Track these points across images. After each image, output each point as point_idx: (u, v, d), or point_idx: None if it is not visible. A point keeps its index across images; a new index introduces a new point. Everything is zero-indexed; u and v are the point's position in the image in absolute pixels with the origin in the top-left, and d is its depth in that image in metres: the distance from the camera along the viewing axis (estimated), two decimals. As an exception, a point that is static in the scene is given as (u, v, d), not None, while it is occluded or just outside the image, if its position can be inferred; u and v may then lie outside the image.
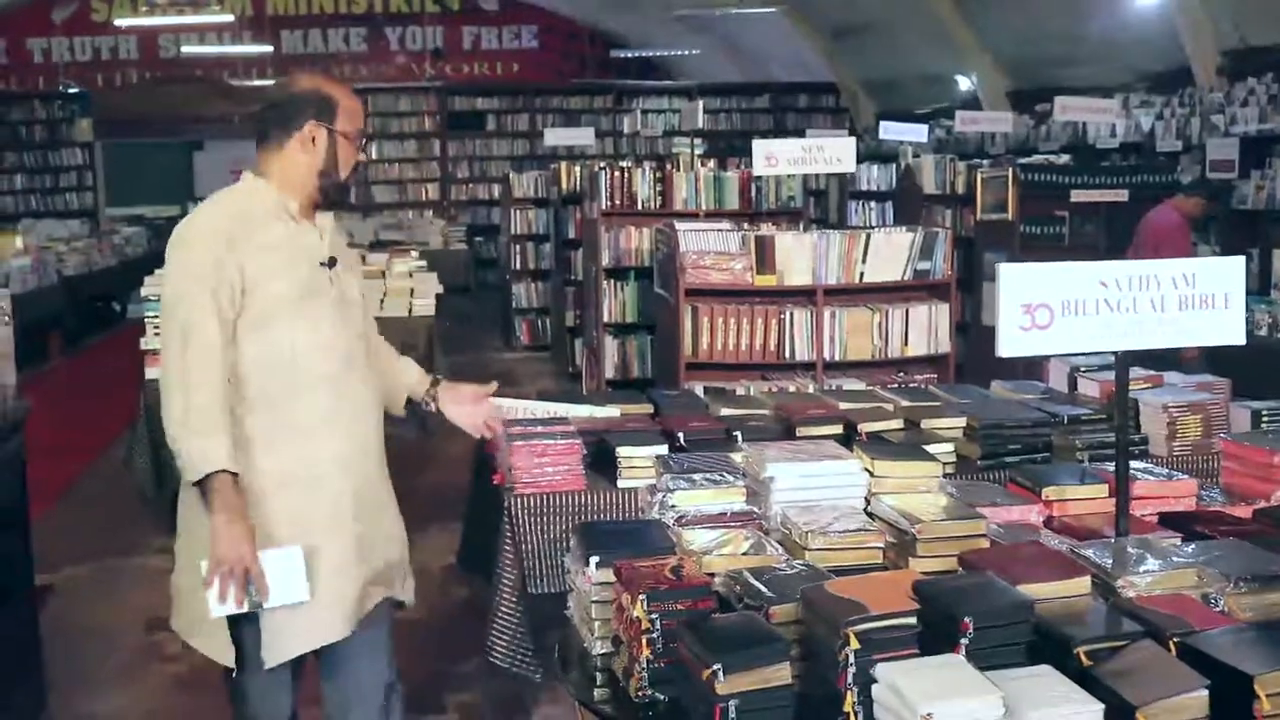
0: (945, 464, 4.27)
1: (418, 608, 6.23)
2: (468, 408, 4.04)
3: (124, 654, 5.95)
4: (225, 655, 3.35)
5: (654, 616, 2.67)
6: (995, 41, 16.53)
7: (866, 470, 3.46)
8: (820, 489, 3.37)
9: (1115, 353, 3.06)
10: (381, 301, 9.92)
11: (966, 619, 2.45)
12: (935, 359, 7.31)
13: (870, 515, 3.33)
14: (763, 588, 2.75)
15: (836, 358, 7.17)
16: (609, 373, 9.82)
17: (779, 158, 7.65)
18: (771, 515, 3.34)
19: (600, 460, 4.69)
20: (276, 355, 3.35)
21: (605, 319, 9.85)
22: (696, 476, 3.38)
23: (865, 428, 4.91)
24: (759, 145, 7.70)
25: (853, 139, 7.90)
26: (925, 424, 4.95)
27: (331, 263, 3.50)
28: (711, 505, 3.33)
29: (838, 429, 4.94)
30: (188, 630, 3.47)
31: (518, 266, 15.15)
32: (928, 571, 2.99)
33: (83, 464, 9.55)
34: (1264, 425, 4.97)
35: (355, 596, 3.47)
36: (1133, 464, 3.84)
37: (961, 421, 4.98)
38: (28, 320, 13.96)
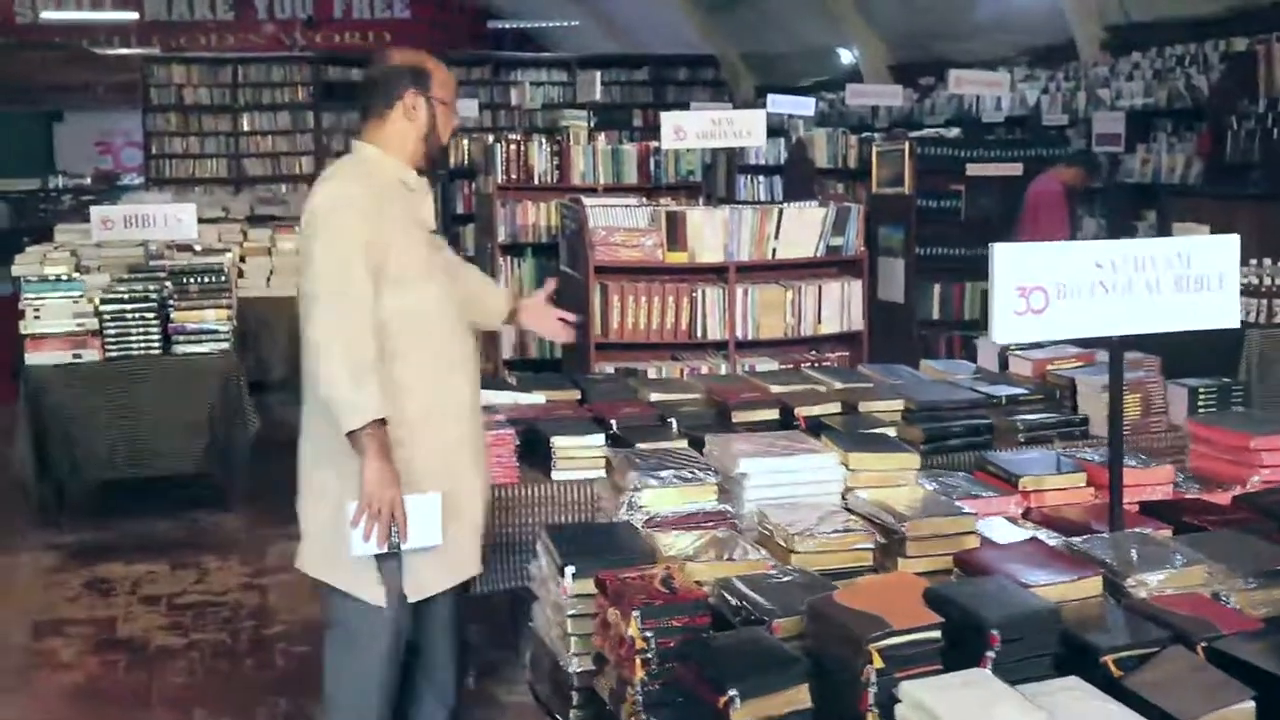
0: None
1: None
2: (548, 319, 4.30)
3: (12, 660, 5.56)
4: (374, 592, 3.56)
5: (649, 635, 2.46)
6: (877, 14, 16.48)
7: (842, 464, 3.28)
8: (795, 485, 3.19)
9: (1110, 339, 2.92)
10: (268, 279, 9.55)
11: (994, 632, 2.28)
12: (848, 336, 7.19)
13: (849, 512, 3.15)
14: (761, 599, 2.56)
15: (749, 336, 7.01)
16: (506, 352, 9.55)
17: (687, 131, 7.43)
18: (745, 514, 3.15)
19: (530, 450, 4.47)
20: (409, 313, 3.59)
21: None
22: (665, 474, 3.16)
23: (802, 411, 4.77)
24: (667, 118, 7.47)
25: (762, 112, 7.71)
26: (863, 407, 4.83)
27: (437, 231, 3.85)
28: (683, 505, 3.12)
29: (774, 413, 4.80)
30: (325, 569, 3.66)
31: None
32: (920, 573, 2.83)
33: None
34: (1200, 405, 4.92)
35: (482, 535, 3.76)
36: (1097, 450, 3.73)
37: (899, 404, 4.86)
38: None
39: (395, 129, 3.74)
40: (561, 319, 4.31)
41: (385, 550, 3.43)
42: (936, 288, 10.55)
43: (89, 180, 24.65)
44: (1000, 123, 13.59)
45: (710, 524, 3.07)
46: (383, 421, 3.42)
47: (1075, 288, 2.78)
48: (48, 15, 22.17)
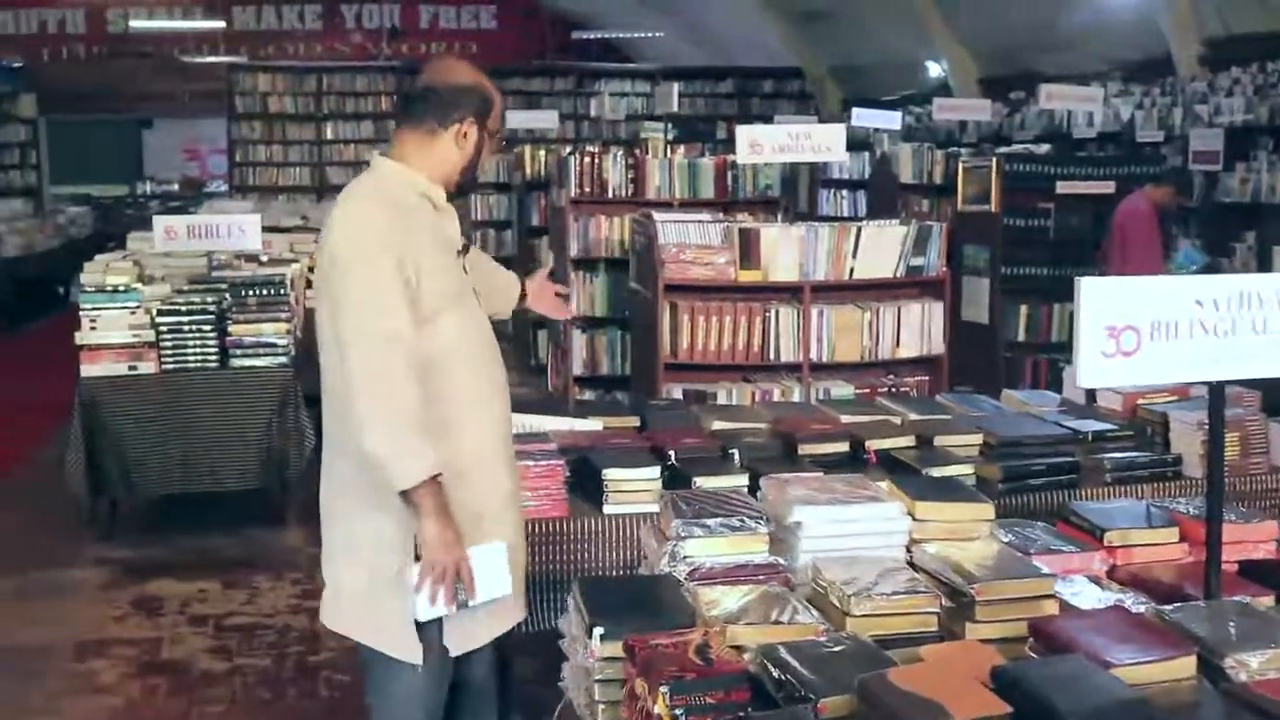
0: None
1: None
2: (548, 298, 4.12)
3: (52, 683, 5.39)
4: (411, 651, 3.28)
5: (678, 712, 2.20)
6: (967, 27, 16.13)
7: (908, 514, 2.99)
8: (855, 535, 2.91)
9: (1209, 383, 2.62)
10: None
11: (1071, 728, 2.00)
12: (927, 360, 6.90)
13: (913, 567, 2.86)
14: (808, 673, 2.27)
15: (824, 359, 6.74)
16: (577, 369, 9.34)
17: (764, 145, 7.18)
18: (799, 567, 2.87)
19: (582, 480, 4.23)
20: (442, 346, 3.31)
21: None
22: (712, 522, 2.89)
23: (873, 445, 4.50)
24: (743, 131, 7.22)
25: (842, 126, 7.44)
26: (938, 441, 4.53)
27: (464, 250, 3.51)
28: (730, 556, 2.85)
29: (843, 446, 4.52)
30: (358, 628, 3.39)
31: (476, 254, 14.58)
32: (990, 640, 2.54)
33: (12, 461, 8.96)
34: (1306, 445, 4.57)
35: (523, 577, 3.50)
36: (1192, 501, 3.41)
37: (977, 438, 4.56)
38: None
39: (439, 150, 3.39)
40: (558, 294, 4.14)
41: (454, 611, 3.20)
42: (1023, 309, 10.20)
43: (176, 187, 24.91)
44: (1092, 139, 13.20)
45: (760, 577, 2.80)
46: (437, 475, 3.14)
47: (1171, 327, 2.49)
48: (138, 24, 22.35)
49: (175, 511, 7.46)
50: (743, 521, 2.89)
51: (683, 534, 2.86)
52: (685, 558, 2.84)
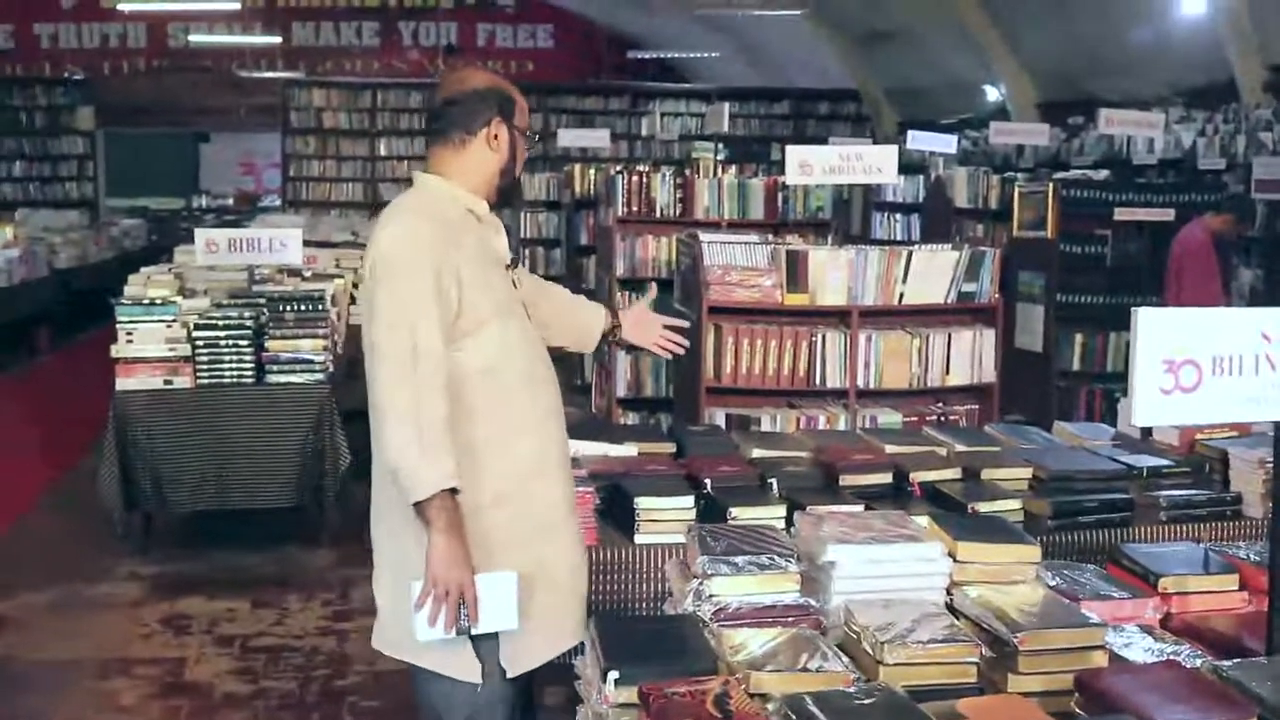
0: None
1: (404, 663, 5.70)
2: (652, 331, 3.96)
3: (73, 701, 5.30)
4: (468, 670, 3.23)
5: (693, 768, 2.05)
6: (1027, 50, 15.91)
7: (948, 554, 2.81)
8: (891, 577, 2.74)
9: (1276, 424, 2.45)
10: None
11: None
12: (978, 389, 6.71)
13: (953, 612, 2.69)
14: (834, 729, 2.12)
15: (871, 385, 6.56)
16: (620, 390, 9.20)
17: (814, 166, 7.00)
18: (831, 609, 2.71)
19: (613, 508, 4.09)
20: (486, 363, 3.28)
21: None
22: (740, 560, 2.72)
23: (917, 477, 4.32)
24: (793, 152, 7.05)
25: (894, 148, 7.25)
26: (986, 474, 4.36)
27: (512, 263, 3.48)
28: (758, 596, 2.69)
29: (886, 477, 4.35)
30: (410, 649, 3.28)
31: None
32: (1033, 694, 2.38)
33: (57, 471, 8.93)
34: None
35: (585, 599, 3.42)
36: (1252, 546, 3.22)
37: (1027, 472, 4.38)
38: (14, 314, 13.52)
39: (474, 158, 3.37)
40: (669, 328, 3.96)
41: (453, 635, 3.10)
42: (1078, 337, 9.99)
43: (230, 201, 25.06)
44: (1152, 165, 12.95)
45: (790, 619, 2.64)
46: (454, 492, 3.09)
47: (1235, 362, 2.31)
48: (197, 39, 22.50)
49: (210, 528, 7.38)
50: (773, 559, 2.72)
51: (709, 571, 2.70)
52: (711, 596, 2.67)
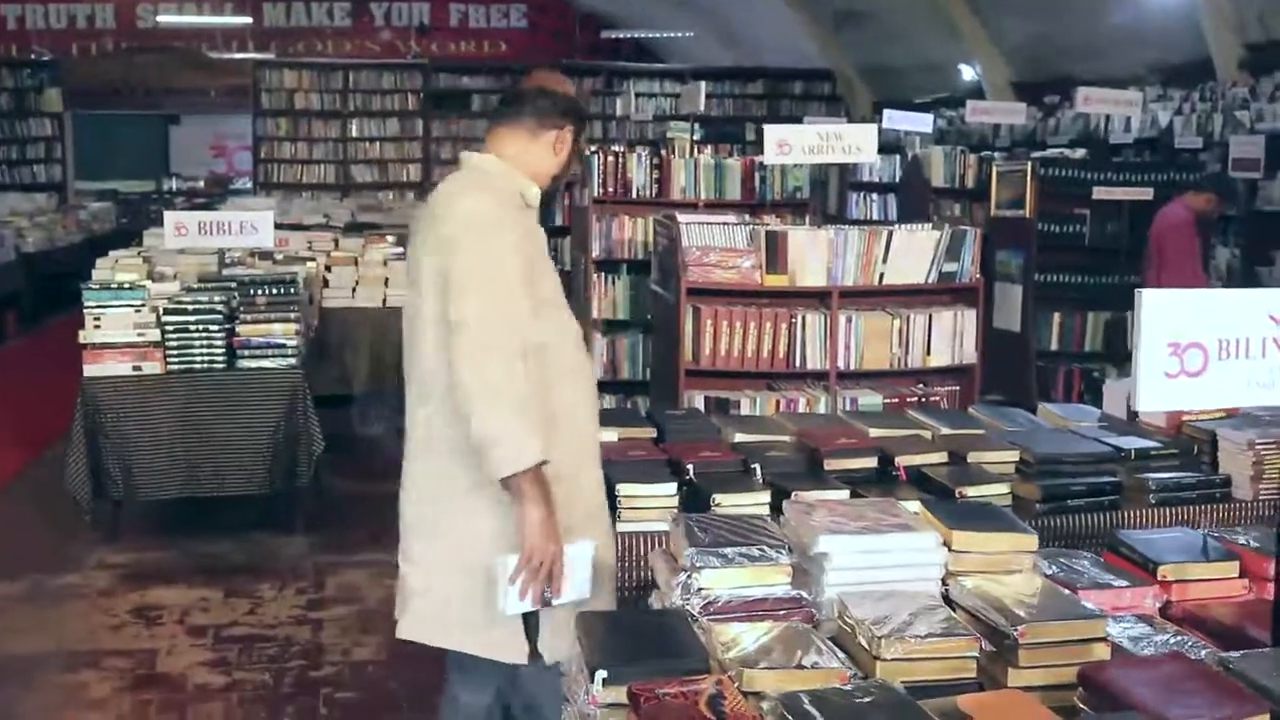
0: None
1: (377, 645, 5.63)
2: None
3: (42, 695, 5.18)
4: (515, 651, 3.29)
5: (685, 772, 1.97)
6: (1001, 29, 15.85)
7: (944, 544, 2.73)
8: (885, 568, 2.65)
9: (1282, 408, 2.37)
10: (354, 290, 9.20)
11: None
12: (958, 370, 6.63)
13: (950, 603, 2.61)
14: (832, 729, 2.03)
15: (851, 367, 6.48)
16: (597, 373, 9.08)
17: (793, 145, 6.91)
18: (824, 602, 2.62)
19: (596, 494, 3.99)
20: (555, 343, 3.35)
21: (594, 314, 9.12)
22: (729, 551, 2.63)
23: (903, 461, 4.25)
24: (771, 131, 6.95)
25: (873, 127, 7.16)
26: (972, 457, 4.28)
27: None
28: (748, 589, 2.60)
29: (871, 462, 4.27)
30: (460, 635, 3.34)
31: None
32: (1034, 688, 2.30)
33: (24, 458, 8.79)
34: (1363, 468, 4.28)
35: (614, 595, 3.47)
36: (1250, 531, 3.15)
37: (1014, 455, 4.31)
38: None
39: (538, 152, 3.47)
40: None
41: (537, 607, 3.18)
42: (1056, 317, 9.97)
43: (201, 183, 24.83)
44: (1129, 144, 12.90)
45: (781, 612, 2.56)
46: (543, 464, 3.12)
47: (1241, 345, 2.24)
48: (166, 19, 22.25)
49: (181, 515, 7.26)
50: (763, 551, 2.63)
51: (697, 564, 2.61)
52: (700, 590, 2.59)
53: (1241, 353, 2.24)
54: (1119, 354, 9.93)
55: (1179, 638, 2.59)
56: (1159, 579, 2.82)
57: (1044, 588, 2.62)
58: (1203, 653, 2.44)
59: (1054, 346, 9.98)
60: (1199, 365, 2.22)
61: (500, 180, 3.38)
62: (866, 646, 2.39)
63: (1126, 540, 3.00)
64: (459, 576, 3.29)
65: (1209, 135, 12.06)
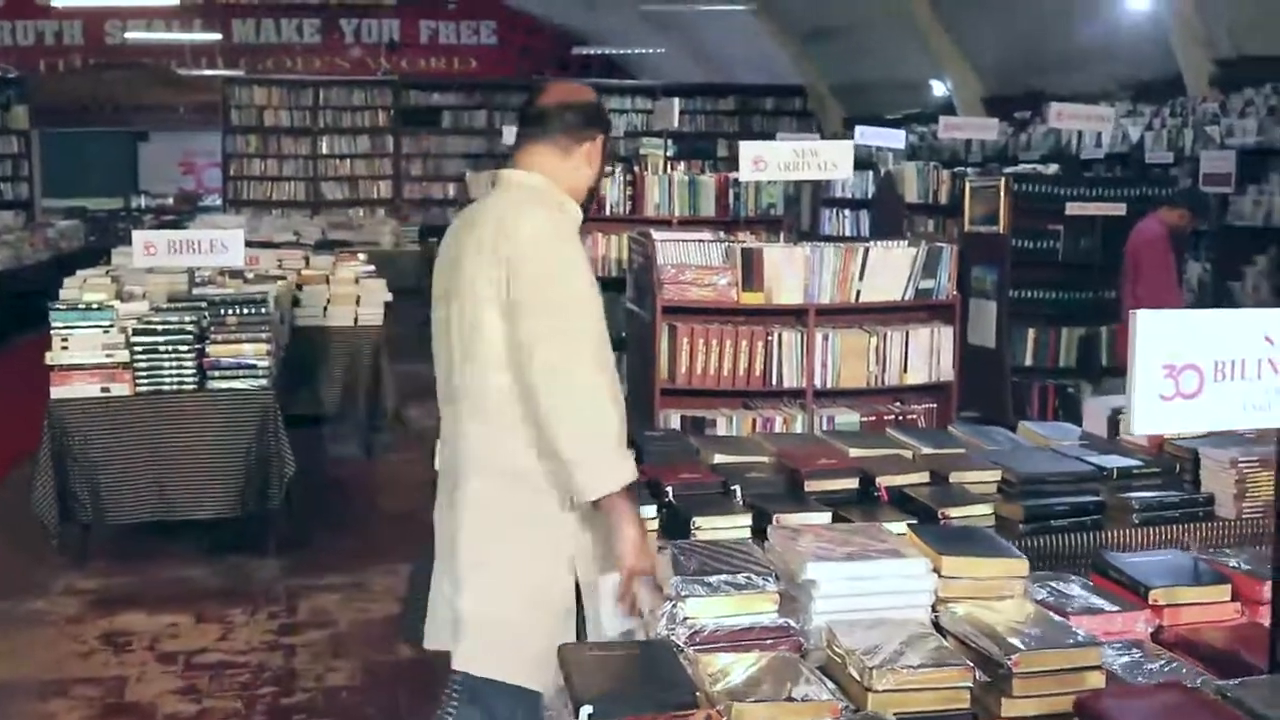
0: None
1: (350, 670, 5.55)
2: None
3: (10, 725, 5.11)
4: (546, 678, 3.08)
5: (675, 814, 1.91)
6: (973, 46, 15.91)
7: (934, 570, 2.67)
8: (874, 595, 2.60)
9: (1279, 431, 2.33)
10: (325, 309, 9.11)
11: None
12: (936, 387, 6.60)
13: (940, 631, 2.56)
14: (824, 766, 1.98)
15: (828, 385, 6.43)
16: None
17: (768, 162, 6.87)
18: (812, 630, 2.57)
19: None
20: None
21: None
22: (714, 579, 2.58)
23: (884, 481, 4.19)
24: (747, 148, 6.91)
25: (849, 143, 7.14)
26: (954, 477, 4.23)
27: None
28: (735, 618, 2.55)
29: (853, 483, 4.21)
30: (516, 668, 3.23)
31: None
32: (1026, 718, 2.25)
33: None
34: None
35: None
36: (1240, 553, 3.11)
37: (996, 475, 4.26)
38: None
39: (574, 168, 3.42)
40: None
41: (638, 624, 3.07)
42: (1031, 333, 9.96)
43: (170, 200, 24.68)
44: (1100, 159, 12.94)
45: (769, 641, 2.50)
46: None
47: (1238, 367, 2.19)
48: (134, 36, 22.14)
49: (150, 539, 7.15)
50: (749, 579, 2.58)
51: (683, 592, 2.55)
52: (685, 619, 2.53)
53: (1238, 374, 2.20)
54: (1094, 369, 9.95)
55: (1173, 664, 2.54)
56: (1150, 603, 2.78)
57: (1035, 614, 2.57)
58: (1198, 680, 2.39)
59: (1028, 362, 9.99)
60: (1194, 387, 2.18)
61: (551, 199, 3.36)
62: (857, 677, 2.33)
63: (1115, 563, 2.96)
64: (511, 605, 3.24)
65: (1180, 150, 12.11)
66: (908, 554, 2.70)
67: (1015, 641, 2.39)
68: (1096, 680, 2.36)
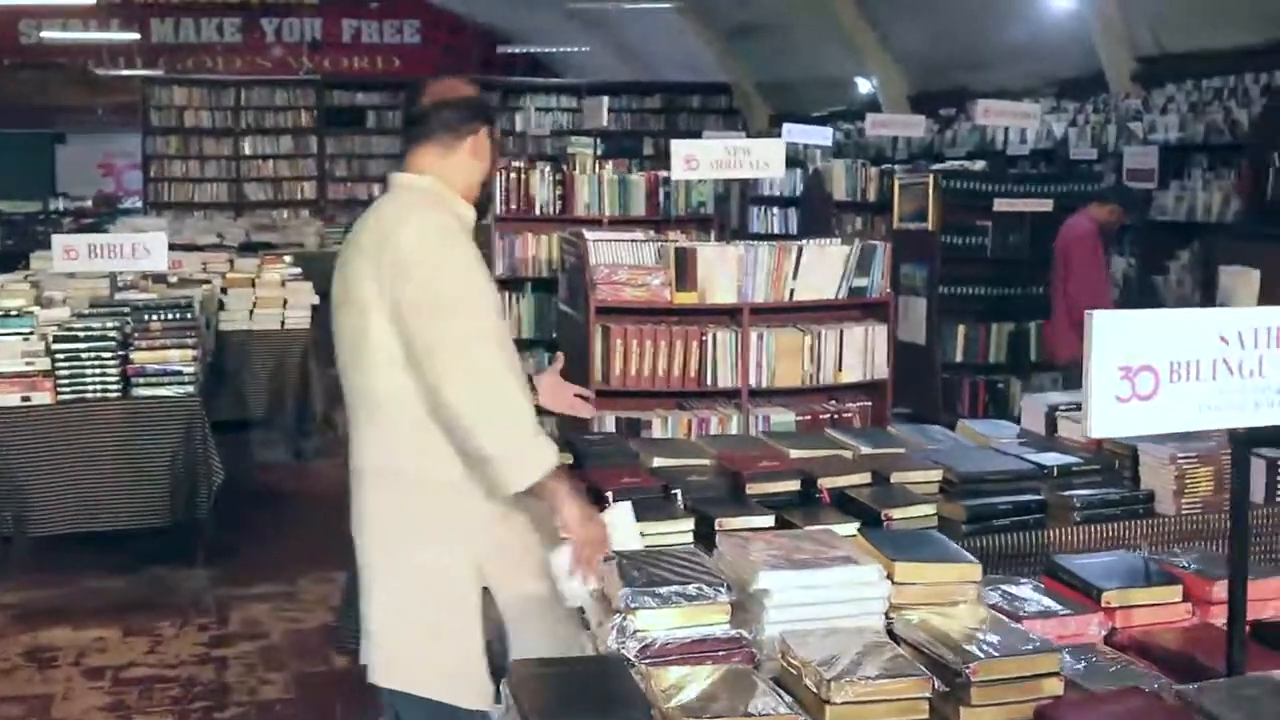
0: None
1: (284, 682, 5.44)
2: (567, 396, 4.05)
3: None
4: (478, 696, 3.14)
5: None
6: (897, 43, 15.98)
7: (887, 577, 2.63)
8: (828, 603, 2.55)
9: (1233, 431, 2.31)
10: (251, 313, 8.96)
11: None
12: (870, 386, 6.59)
13: (894, 639, 2.51)
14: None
15: (764, 385, 6.41)
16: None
17: (700, 160, 6.84)
18: (764, 640, 2.51)
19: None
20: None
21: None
22: (665, 590, 2.51)
23: (826, 483, 4.15)
24: (678, 146, 6.87)
25: (781, 142, 7.13)
26: (895, 478, 4.21)
27: None
28: (686, 629, 2.49)
29: (794, 485, 4.17)
30: (426, 683, 3.18)
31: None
32: (986, 729, 2.21)
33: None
34: (1281, 484, 4.27)
35: None
36: (1187, 553, 3.10)
37: (937, 474, 4.24)
38: None
39: (461, 164, 3.38)
40: (579, 395, 4.06)
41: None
42: (961, 329, 10.01)
43: (90, 203, 24.25)
44: (1025, 156, 13.02)
45: (721, 653, 2.45)
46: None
47: (1194, 368, 2.17)
48: (50, 35, 21.74)
49: (75, 551, 6.98)
50: (700, 589, 2.52)
51: (632, 604, 2.49)
52: (635, 632, 2.47)
53: (1193, 375, 2.17)
54: (1023, 365, 10.02)
55: (1128, 668, 2.52)
56: (1102, 605, 2.75)
57: (990, 619, 2.53)
58: (1156, 684, 2.37)
59: (958, 358, 10.04)
60: (1150, 389, 2.15)
61: (441, 199, 3.30)
62: (814, 689, 2.28)
63: (1065, 565, 2.93)
64: (413, 615, 3.18)
65: (1103, 147, 12.21)
66: (860, 561, 2.65)
67: (972, 649, 2.35)
68: (1055, 687, 2.32)
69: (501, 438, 3.03)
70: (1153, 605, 2.77)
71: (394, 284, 3.10)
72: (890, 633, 2.55)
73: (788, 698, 2.27)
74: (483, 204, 3.48)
